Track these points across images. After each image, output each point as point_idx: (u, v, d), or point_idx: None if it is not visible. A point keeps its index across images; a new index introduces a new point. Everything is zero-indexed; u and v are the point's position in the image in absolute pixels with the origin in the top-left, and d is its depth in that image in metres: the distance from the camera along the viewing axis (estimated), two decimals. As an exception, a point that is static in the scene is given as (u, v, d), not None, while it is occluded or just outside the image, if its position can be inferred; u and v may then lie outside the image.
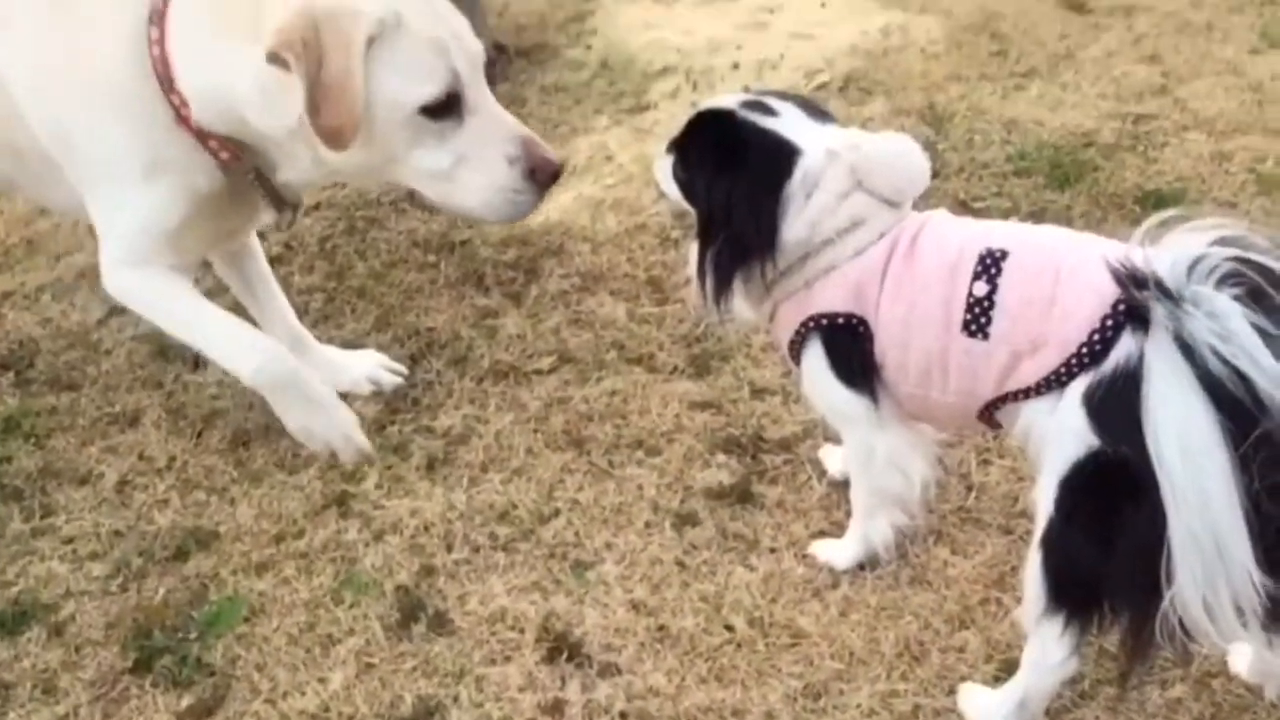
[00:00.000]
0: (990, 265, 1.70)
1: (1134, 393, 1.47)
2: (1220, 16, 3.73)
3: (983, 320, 1.65)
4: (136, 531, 2.29)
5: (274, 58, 1.86)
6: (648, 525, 2.20)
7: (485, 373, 2.62)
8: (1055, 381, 1.60)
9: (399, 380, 2.61)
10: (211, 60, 2.00)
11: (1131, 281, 1.49)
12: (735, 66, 3.75)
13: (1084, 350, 1.57)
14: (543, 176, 2.06)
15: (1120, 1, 3.89)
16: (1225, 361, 1.39)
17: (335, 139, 1.90)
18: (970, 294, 1.68)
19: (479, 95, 2.02)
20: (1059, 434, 1.59)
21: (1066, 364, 1.59)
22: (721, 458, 2.34)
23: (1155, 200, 2.88)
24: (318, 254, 3.06)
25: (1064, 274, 1.63)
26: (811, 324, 1.84)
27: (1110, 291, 1.55)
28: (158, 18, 2.03)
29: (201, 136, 2.09)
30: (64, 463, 2.49)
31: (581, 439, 2.42)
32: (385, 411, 2.54)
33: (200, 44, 2.01)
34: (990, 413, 1.73)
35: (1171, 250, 1.49)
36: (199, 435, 2.53)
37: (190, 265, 2.34)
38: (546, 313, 2.80)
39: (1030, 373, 1.63)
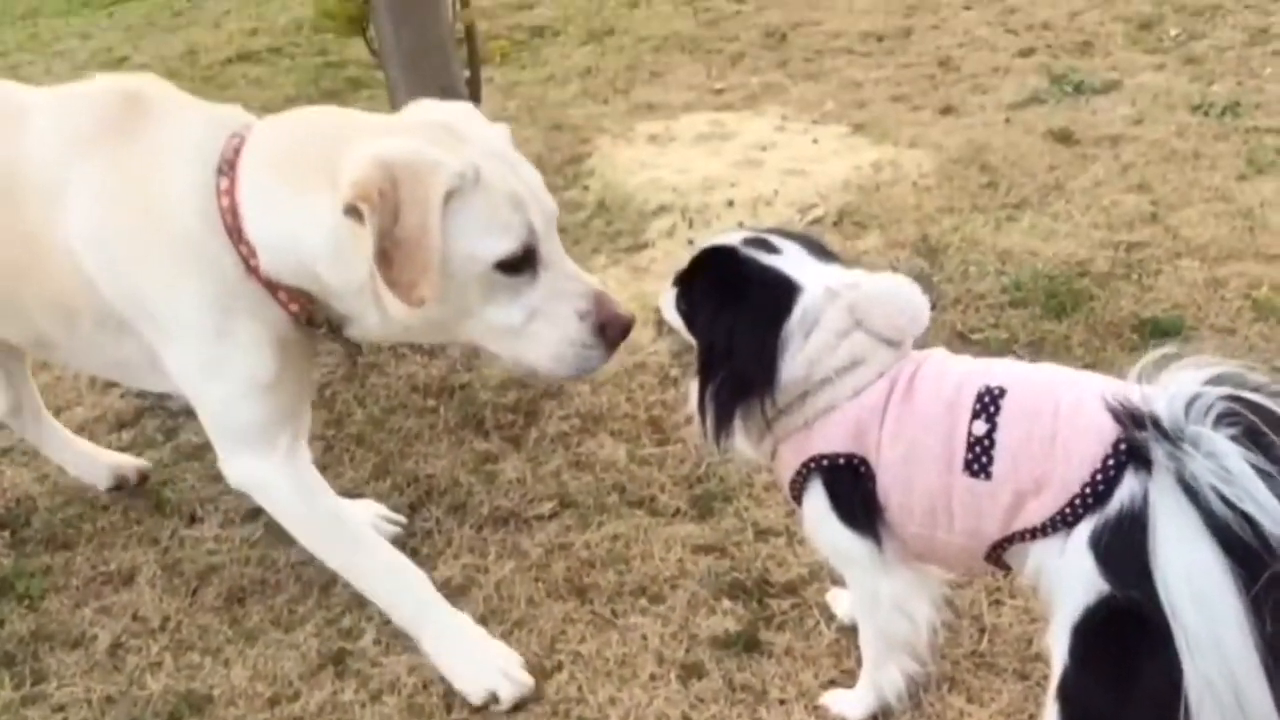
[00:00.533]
0: (989, 403, 1.68)
1: (1140, 535, 1.46)
2: (1206, 144, 3.79)
3: (984, 460, 1.64)
4: (129, 698, 2.23)
5: (350, 210, 1.82)
6: (653, 678, 2.14)
7: (485, 520, 2.59)
8: (1061, 522, 1.58)
9: (397, 530, 2.57)
10: (282, 211, 1.97)
11: (1130, 421, 1.50)
12: (730, 204, 3.81)
13: (1088, 490, 1.55)
14: (613, 332, 2.02)
15: (1106, 132, 3.96)
16: (1229, 504, 1.39)
17: (408, 293, 1.83)
18: (970, 433, 1.67)
19: (552, 250, 1.99)
20: (1068, 579, 1.56)
21: (1071, 504, 1.56)
22: (727, 604, 2.28)
23: (1153, 328, 2.89)
24: (316, 402, 3.05)
25: (1063, 412, 1.62)
26: (812, 464, 1.82)
27: (1110, 430, 1.55)
28: (227, 167, 2.01)
29: (271, 287, 2.04)
30: (57, 625, 2.44)
31: (584, 587, 2.37)
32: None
33: (271, 194, 1.98)
34: (998, 553, 1.70)
35: (1168, 389, 1.49)
36: (194, 593, 2.48)
37: (303, 430, 2.26)
38: (547, 456, 2.78)
39: (1036, 513, 1.61)
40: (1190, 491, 1.41)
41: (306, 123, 2.09)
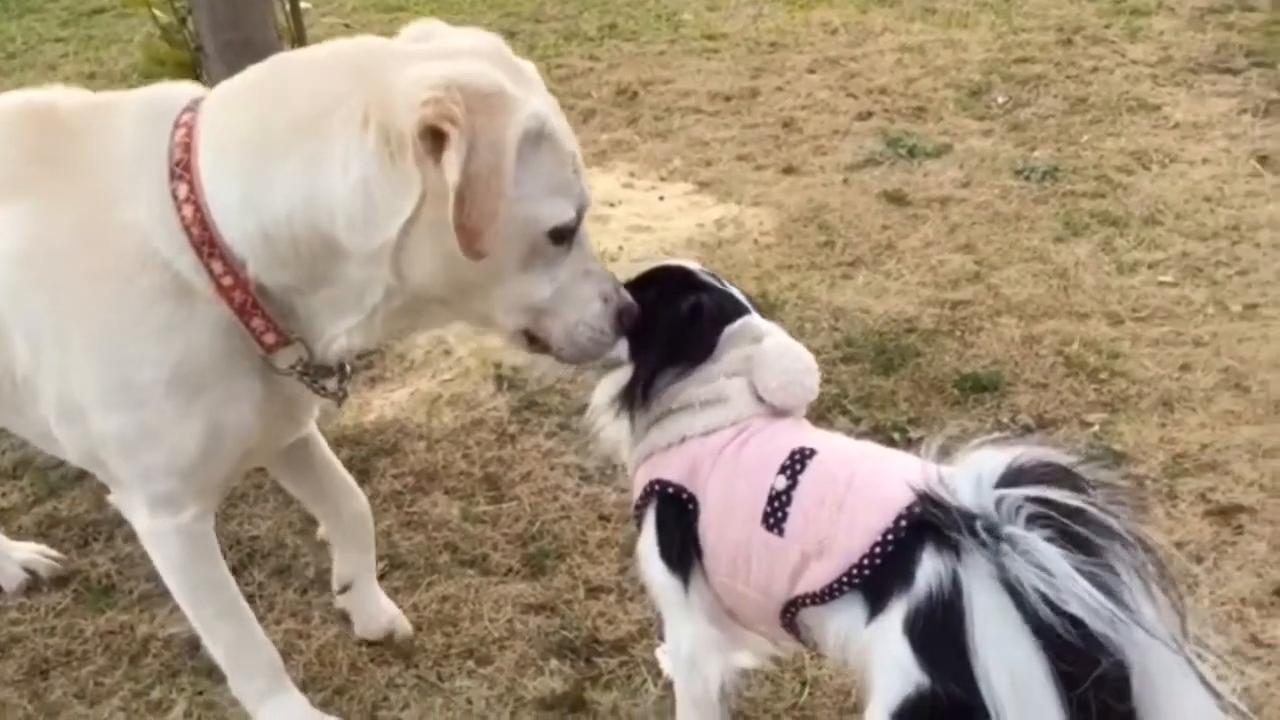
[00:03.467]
0: (796, 462, 1.72)
1: (957, 627, 1.46)
2: (1027, 207, 3.99)
3: (780, 515, 1.67)
4: (-92, 782, 2.08)
5: (427, 133, 1.53)
6: (476, 743, 2.10)
7: (310, 583, 2.51)
8: (838, 590, 1.60)
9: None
10: (283, 181, 1.65)
11: (936, 509, 1.51)
12: (576, 259, 3.82)
13: (865, 562, 1.57)
14: (626, 321, 1.86)
15: (936, 194, 4.13)
16: (1054, 606, 1.39)
17: (471, 241, 1.56)
18: (773, 487, 1.70)
19: (584, 227, 1.81)
20: (885, 664, 1.55)
21: (848, 573, 1.59)
22: (555, 663, 2.26)
23: (973, 384, 3.00)
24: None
25: (857, 483, 1.66)
26: (654, 488, 1.84)
27: (896, 507, 1.57)
28: (181, 170, 1.70)
29: (246, 313, 1.74)
30: None
31: (410, 650, 2.32)
32: (200, 630, 2.39)
33: (261, 169, 1.66)
34: (791, 617, 1.71)
35: (970, 475, 1.51)
36: (-8, 666, 2.34)
37: (225, 490, 2.05)
38: (378, 515, 2.70)
39: (817, 578, 1.63)
40: (1012, 592, 1.42)
41: (273, 75, 1.77)
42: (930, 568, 1.51)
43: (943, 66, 5.34)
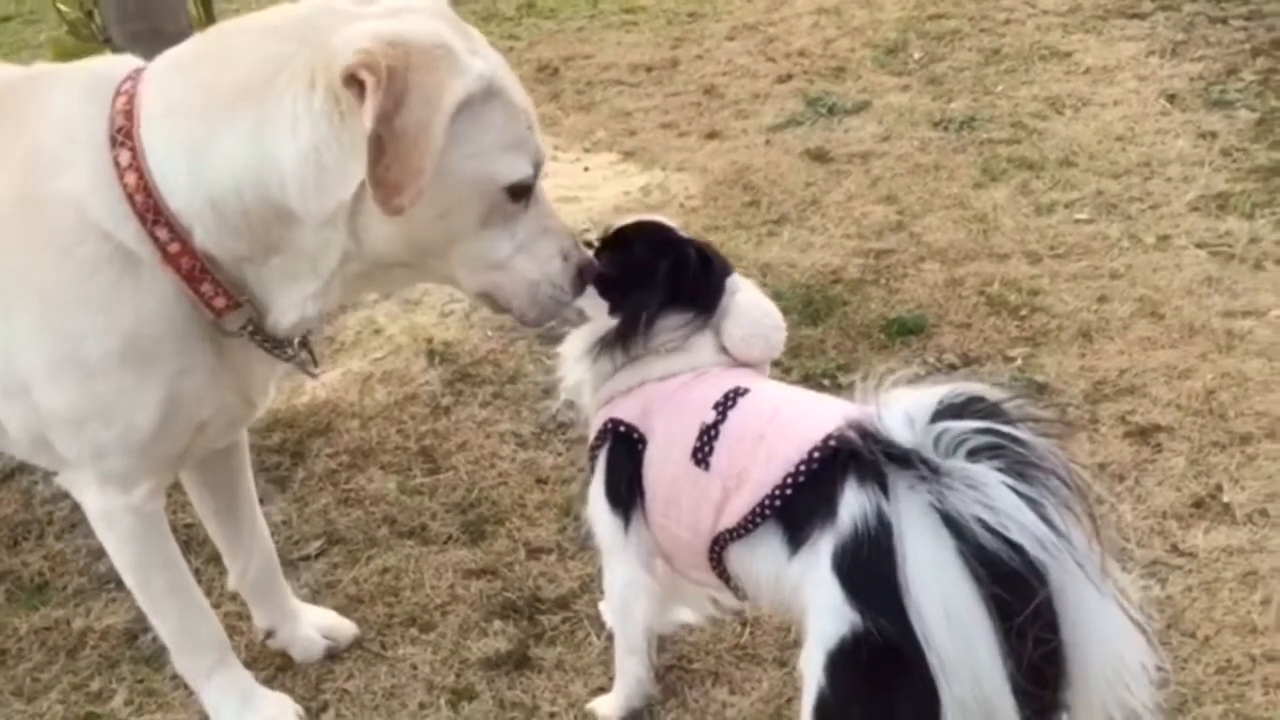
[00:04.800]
0: (729, 399, 1.74)
1: (886, 562, 1.45)
2: (946, 157, 4.05)
3: (707, 450, 1.69)
4: None
5: (349, 80, 1.50)
6: (422, 706, 2.11)
7: (248, 565, 2.49)
8: (752, 522, 1.62)
9: None
10: (228, 146, 1.60)
11: (863, 441, 1.50)
12: (503, 234, 3.82)
13: (776, 492, 1.59)
14: (587, 277, 1.83)
15: (858, 149, 4.18)
16: (995, 532, 1.39)
17: (389, 196, 1.53)
18: (702, 422, 1.72)
19: (540, 184, 1.78)
20: (818, 606, 1.55)
21: (761, 504, 1.61)
22: (498, 624, 2.27)
23: (898, 327, 3.05)
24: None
25: (780, 419, 1.68)
26: (608, 427, 1.85)
27: (812, 440, 1.59)
28: (122, 137, 1.64)
29: (194, 279, 1.69)
30: None
31: (352, 623, 2.31)
32: (136, 620, 2.37)
33: (206, 134, 1.61)
34: (719, 559, 1.73)
35: (901, 414, 1.50)
36: (-75, 669, 2.30)
37: (179, 467, 1.99)
38: (314, 495, 2.71)
39: (735, 509, 1.65)
40: (951, 523, 1.41)
41: (218, 41, 1.73)
42: (855, 502, 1.51)
43: (859, 27, 5.39)
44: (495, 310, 1.84)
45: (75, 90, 1.72)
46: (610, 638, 2.17)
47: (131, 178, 1.64)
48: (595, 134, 4.60)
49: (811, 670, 1.57)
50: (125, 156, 1.64)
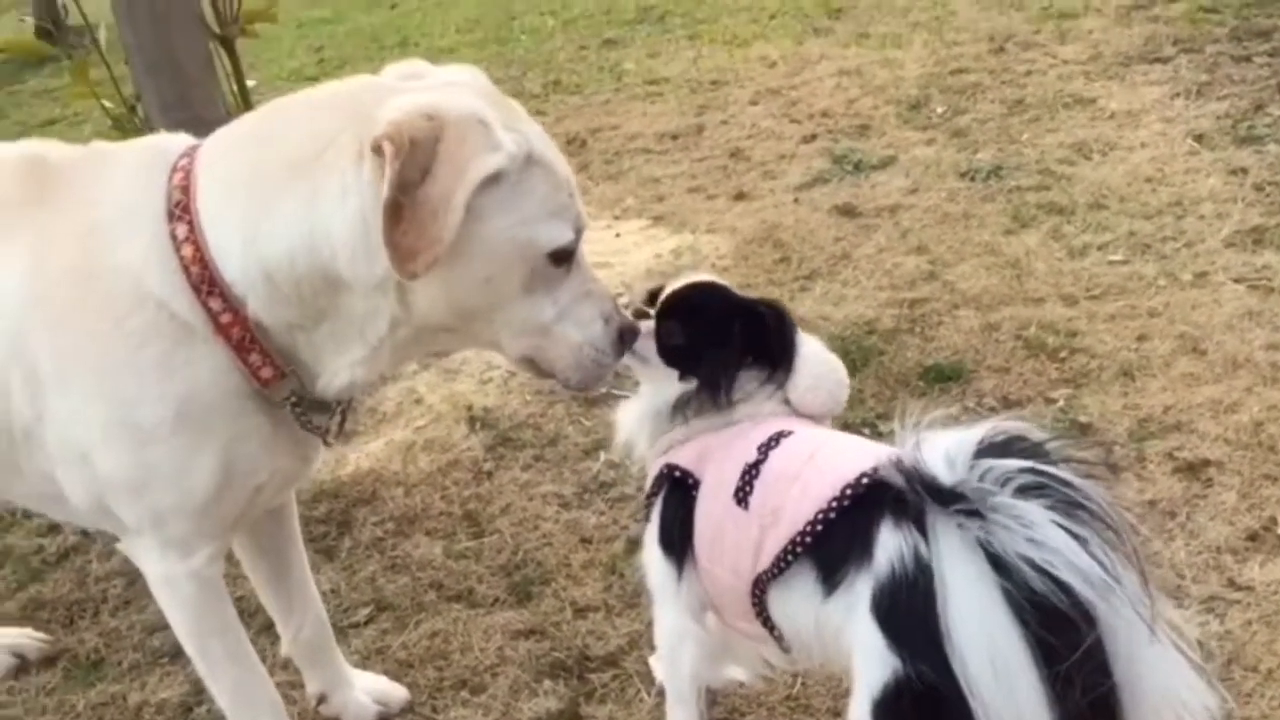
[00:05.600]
0: (772, 441, 1.75)
1: (925, 604, 1.42)
2: (975, 205, 4.07)
3: (748, 489, 1.69)
4: None
5: (375, 148, 1.56)
6: (475, 768, 2.10)
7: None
8: (786, 559, 1.61)
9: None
10: (282, 216, 1.66)
11: (905, 481, 1.48)
12: (538, 301, 3.87)
13: (808, 528, 1.58)
14: (628, 340, 1.86)
15: (886, 203, 4.21)
16: (1042, 571, 1.36)
17: (403, 260, 1.57)
18: (745, 462, 1.72)
19: (582, 249, 1.81)
20: (861, 652, 1.52)
21: (793, 540, 1.60)
22: (548, 684, 2.27)
23: (936, 374, 3.05)
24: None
25: (818, 458, 1.67)
26: (664, 472, 1.86)
27: (846, 477, 1.58)
28: (180, 211, 1.71)
29: (243, 349, 1.73)
30: None
31: (403, 687, 2.31)
32: (191, 692, 2.39)
33: (261, 205, 1.67)
34: (762, 604, 1.72)
35: (936, 451, 1.47)
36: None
37: (239, 529, 2.02)
38: (361, 563, 2.72)
39: (769, 549, 1.64)
40: (997, 562, 1.38)
41: (269, 118, 1.81)
42: (891, 543, 1.49)
43: (881, 85, 5.46)
44: (538, 375, 1.86)
45: (134, 166, 1.79)
46: (661, 693, 2.16)
47: (188, 250, 1.69)
48: (624, 201, 4.67)
49: (859, 717, 1.53)
50: (182, 230, 1.70)
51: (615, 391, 2.90)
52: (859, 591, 1.53)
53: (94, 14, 3.85)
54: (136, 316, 1.71)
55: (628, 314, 1.90)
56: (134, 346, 1.71)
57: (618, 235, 4.34)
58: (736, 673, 2.08)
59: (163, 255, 1.70)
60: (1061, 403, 2.88)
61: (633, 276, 3.97)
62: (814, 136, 4.99)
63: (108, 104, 3.89)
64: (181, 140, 1.85)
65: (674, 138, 5.30)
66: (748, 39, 6.64)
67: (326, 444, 1.95)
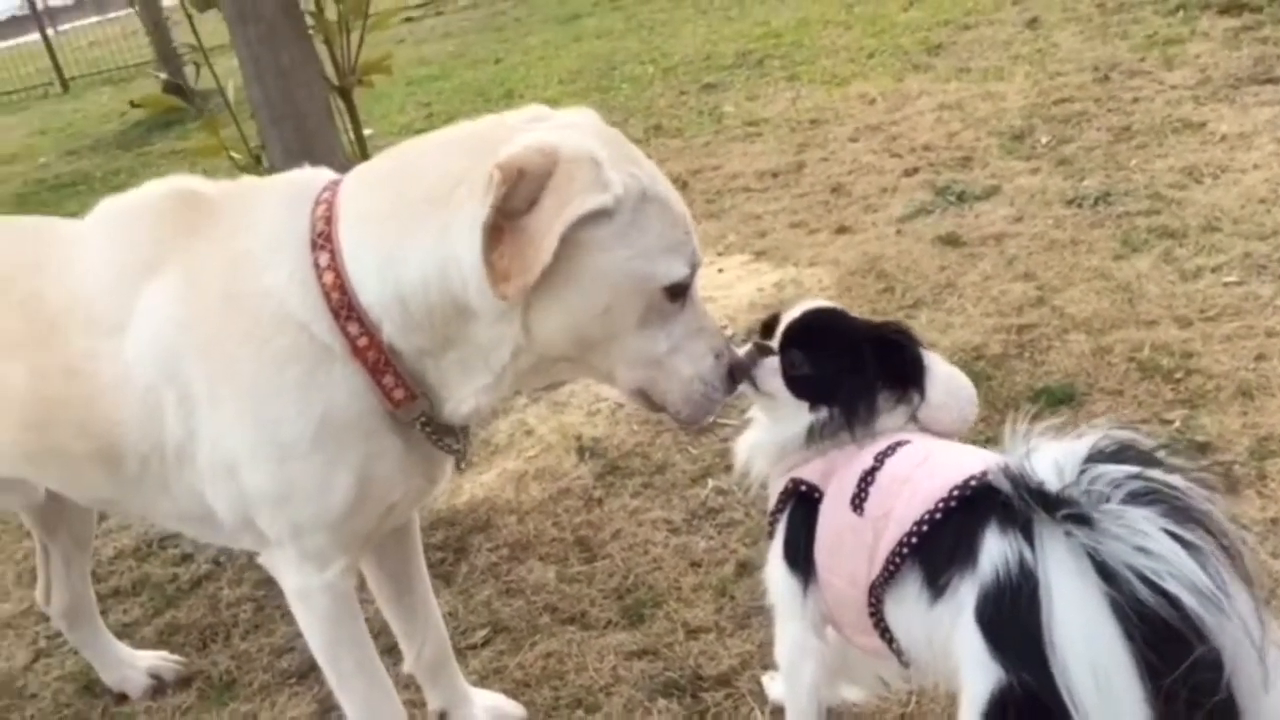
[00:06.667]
0: (889, 450, 1.76)
1: (1029, 612, 1.40)
2: (1083, 232, 4.02)
3: (863, 495, 1.70)
4: None
5: (490, 175, 1.64)
6: (592, 783, 2.13)
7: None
8: (894, 562, 1.61)
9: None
10: (416, 247, 1.75)
11: (1014, 487, 1.46)
12: (644, 336, 3.93)
13: (914, 529, 1.59)
14: (738, 376, 1.90)
15: (990, 231, 4.19)
16: (1151, 583, 1.33)
17: (498, 281, 1.65)
18: (863, 468, 1.75)
19: (696, 285, 1.86)
20: (968, 661, 1.51)
21: (900, 542, 1.60)
22: (662, 703, 2.29)
23: (1047, 397, 3.01)
24: (247, 564, 3.06)
25: (930, 463, 1.68)
26: (789, 488, 1.87)
27: (953, 481, 1.58)
28: (322, 240, 1.81)
29: (378, 371, 1.83)
30: (-17, 812, 2.38)
31: (520, 705, 2.37)
32: (318, 712, 2.48)
33: (397, 237, 1.77)
34: (878, 614, 1.72)
35: (1046, 459, 1.46)
36: (126, 765, 2.44)
37: (362, 555, 2.11)
38: (477, 587, 2.80)
39: (880, 553, 1.64)
40: (1104, 571, 1.36)
41: (405, 156, 1.89)
42: (996, 549, 1.47)
43: (983, 118, 5.45)
44: (649, 408, 1.91)
45: (280, 199, 1.90)
46: (774, 712, 2.18)
47: (329, 277, 1.79)
48: (727, 238, 4.73)
49: None
50: (324, 258, 1.80)
51: (722, 421, 2.94)
52: (964, 597, 1.52)
53: (220, 74, 4.09)
54: (281, 339, 1.82)
55: (739, 350, 1.93)
56: (278, 367, 1.82)
57: (720, 270, 4.40)
58: (852, 693, 2.09)
59: (306, 281, 1.80)
60: (1178, 423, 2.82)
61: (736, 309, 4.02)
62: (915, 170, 4.99)
63: (235, 155, 4.11)
64: (324, 175, 1.95)
65: (774, 175, 5.35)
66: (846, 78, 6.69)
67: (459, 467, 2.03)
